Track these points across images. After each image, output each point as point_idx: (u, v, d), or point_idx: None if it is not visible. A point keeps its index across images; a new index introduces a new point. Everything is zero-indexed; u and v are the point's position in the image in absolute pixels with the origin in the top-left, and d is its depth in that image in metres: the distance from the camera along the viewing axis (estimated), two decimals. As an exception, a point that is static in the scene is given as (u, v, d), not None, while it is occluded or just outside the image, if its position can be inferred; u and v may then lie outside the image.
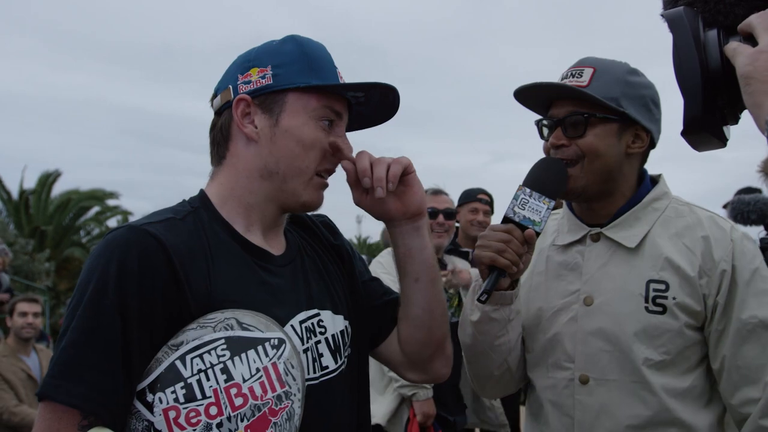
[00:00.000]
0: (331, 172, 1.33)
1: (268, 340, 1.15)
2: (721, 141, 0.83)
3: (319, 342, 1.30)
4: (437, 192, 3.92)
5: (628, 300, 1.57)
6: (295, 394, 1.15)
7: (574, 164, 1.62)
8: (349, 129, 1.39)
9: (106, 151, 46.08)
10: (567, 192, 1.65)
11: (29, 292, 13.00)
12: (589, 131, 1.60)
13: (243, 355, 1.11)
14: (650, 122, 1.64)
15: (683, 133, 0.82)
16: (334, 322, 1.35)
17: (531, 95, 1.69)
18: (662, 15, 0.85)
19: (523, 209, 1.50)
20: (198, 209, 1.25)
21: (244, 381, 1.09)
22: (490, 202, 4.47)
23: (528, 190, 1.52)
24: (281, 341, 1.16)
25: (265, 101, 1.25)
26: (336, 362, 1.32)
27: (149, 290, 1.09)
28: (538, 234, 1.50)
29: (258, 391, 1.10)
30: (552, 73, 1.74)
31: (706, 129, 0.79)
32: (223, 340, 1.10)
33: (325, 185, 1.34)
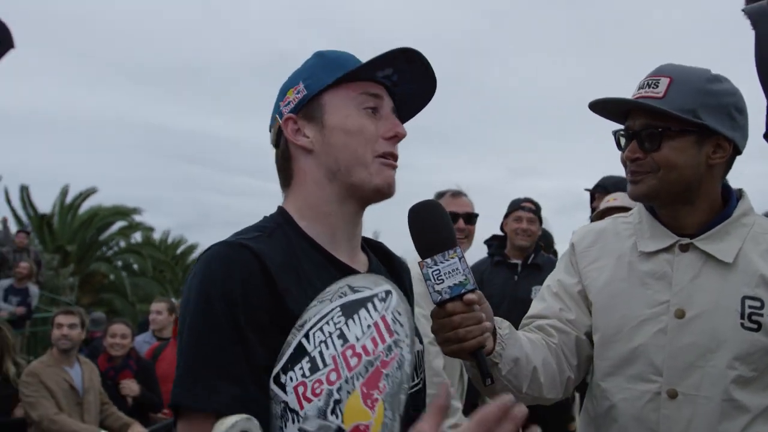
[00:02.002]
0: (394, 156, 1.32)
1: (376, 295, 1.16)
2: None
3: None
4: (457, 194, 3.59)
5: (724, 315, 1.53)
6: (403, 341, 1.15)
7: (650, 173, 1.59)
8: (406, 118, 1.41)
9: (130, 168, 46.62)
10: (636, 196, 1.63)
11: (62, 306, 13.10)
12: (664, 144, 1.56)
13: (355, 316, 1.13)
14: (733, 130, 1.58)
15: (766, 136, 0.74)
16: (412, 349, 1.32)
17: (607, 105, 1.67)
18: (744, 10, 0.77)
19: (443, 282, 1.32)
20: (282, 225, 1.27)
21: (358, 340, 1.11)
22: (535, 210, 4.35)
23: (429, 261, 1.32)
24: (388, 292, 1.17)
25: (307, 112, 1.30)
26: (414, 379, 1.30)
27: (253, 299, 1.12)
28: (475, 290, 1.33)
29: (370, 346, 1.11)
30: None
31: None
32: (338, 308, 1.13)
33: (394, 167, 1.32)
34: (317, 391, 1.07)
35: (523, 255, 4.36)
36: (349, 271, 1.26)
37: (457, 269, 1.31)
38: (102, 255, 22.47)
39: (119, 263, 23.54)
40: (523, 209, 4.30)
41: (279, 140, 1.34)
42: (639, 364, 1.58)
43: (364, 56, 1.31)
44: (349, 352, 1.10)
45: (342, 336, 1.11)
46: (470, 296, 1.32)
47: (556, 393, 1.65)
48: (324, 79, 1.29)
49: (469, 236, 3.85)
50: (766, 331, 1.51)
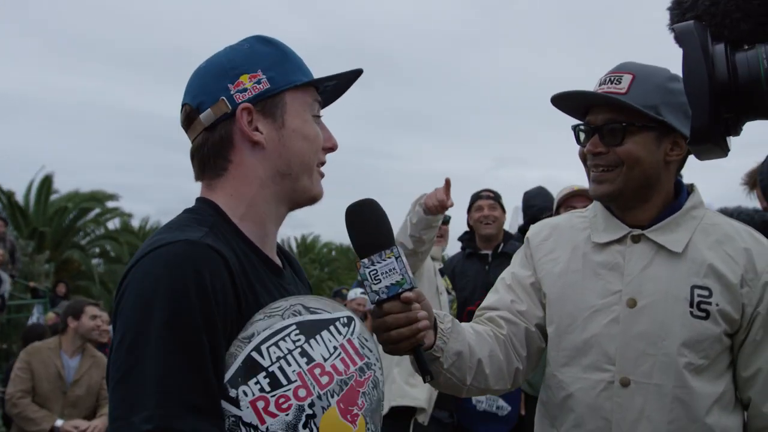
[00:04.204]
0: (324, 163, 1.34)
1: (338, 319, 1.18)
2: (724, 151, 0.89)
3: None
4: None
5: (673, 304, 1.57)
6: (375, 363, 1.20)
7: (612, 170, 1.62)
8: None
9: (111, 154, 46.02)
10: (600, 196, 1.66)
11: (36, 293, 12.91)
12: (627, 139, 1.60)
13: (318, 337, 1.13)
14: (689, 129, 1.56)
15: (690, 143, 0.87)
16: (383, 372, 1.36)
17: (568, 100, 1.69)
18: (672, 28, 0.87)
19: (380, 281, 1.32)
20: (217, 222, 1.20)
21: (325, 360, 1.12)
22: (494, 197, 4.43)
23: (367, 261, 1.32)
24: (350, 318, 1.20)
25: (265, 106, 1.24)
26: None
27: (223, 306, 1.06)
28: (413, 288, 1.34)
29: (341, 366, 1.13)
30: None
31: (711, 139, 0.81)
32: (294, 326, 1.11)
33: (323, 175, 1.34)
34: (284, 405, 1.06)
35: (492, 245, 4.41)
36: (275, 269, 1.26)
37: (393, 269, 1.31)
38: (77, 242, 22.18)
39: (96, 250, 23.29)
40: (482, 198, 4.38)
41: (218, 124, 1.23)
42: (593, 354, 1.61)
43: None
44: (317, 371, 1.10)
45: (305, 354, 1.10)
46: (407, 294, 1.33)
47: (503, 384, 1.68)
48: (291, 77, 1.26)
49: (444, 236, 3.96)
50: (714, 319, 1.55)
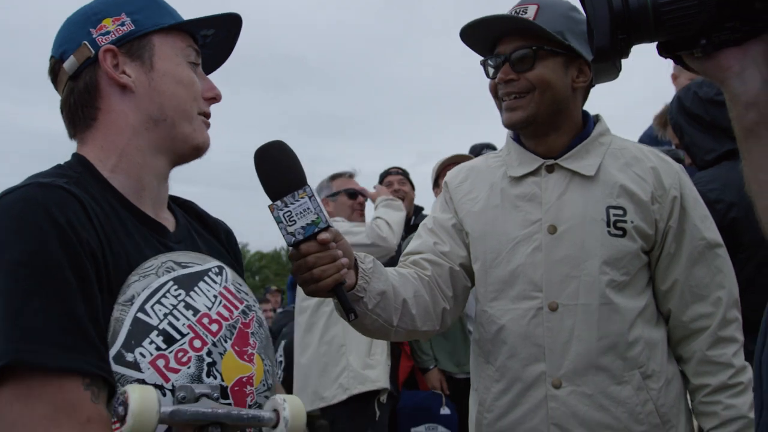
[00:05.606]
0: (209, 114, 1.27)
1: (210, 269, 1.18)
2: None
3: None
4: (353, 175, 4.01)
5: (591, 225, 1.62)
6: (253, 305, 1.22)
7: (523, 96, 1.65)
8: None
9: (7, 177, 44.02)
10: (515, 122, 1.68)
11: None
12: (537, 64, 1.63)
13: (196, 288, 1.12)
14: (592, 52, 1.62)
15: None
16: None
17: (476, 35, 1.71)
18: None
19: (295, 223, 1.28)
20: (83, 174, 1.13)
21: (209, 309, 1.12)
22: (403, 173, 4.51)
23: (279, 203, 1.28)
24: (220, 267, 1.20)
25: (131, 48, 1.18)
26: None
27: (87, 244, 1.00)
28: (329, 227, 1.31)
29: (225, 312, 1.14)
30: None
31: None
32: (172, 281, 1.10)
33: (208, 125, 1.27)
34: (183, 359, 1.04)
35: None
36: (156, 227, 1.19)
37: (308, 209, 1.27)
38: None
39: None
40: (392, 174, 4.47)
41: (82, 71, 1.18)
42: (520, 284, 1.65)
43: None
44: (206, 320, 1.10)
45: (190, 306, 1.09)
46: (324, 235, 1.29)
47: (431, 325, 1.68)
48: (157, 20, 1.20)
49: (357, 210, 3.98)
50: (631, 236, 1.62)
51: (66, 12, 1.23)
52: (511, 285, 1.66)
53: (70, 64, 1.18)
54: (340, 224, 3.60)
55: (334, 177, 3.92)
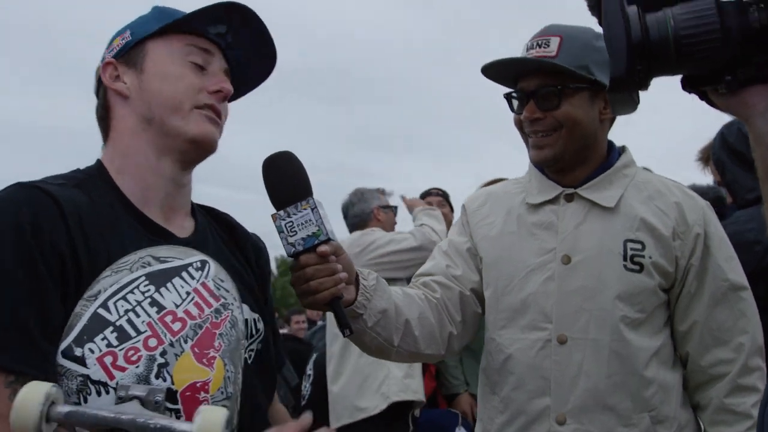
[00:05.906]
0: (216, 110, 1.25)
1: (191, 264, 1.14)
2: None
3: None
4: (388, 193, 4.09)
5: (607, 258, 1.57)
6: (232, 303, 1.17)
7: (551, 134, 1.62)
8: (242, 92, 1.38)
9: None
10: (543, 161, 1.65)
11: None
12: (563, 102, 1.60)
13: (168, 285, 1.10)
14: None
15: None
16: (242, 311, 1.26)
17: (499, 70, 1.69)
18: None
19: (296, 234, 1.29)
20: (94, 177, 1.20)
21: (177, 306, 1.09)
22: (442, 194, 4.49)
23: (282, 213, 1.29)
24: (204, 262, 1.17)
25: (128, 58, 1.24)
26: (253, 335, 1.28)
27: (49, 245, 1.03)
28: (329, 240, 1.30)
29: (194, 311, 1.10)
30: None
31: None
32: (143, 277, 1.08)
33: (216, 122, 1.25)
34: (133, 358, 1.03)
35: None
36: (160, 232, 1.20)
37: (309, 220, 1.28)
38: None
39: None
40: (431, 194, 4.44)
41: (99, 89, 1.28)
42: (530, 313, 1.60)
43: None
44: (169, 318, 1.08)
45: (155, 303, 1.07)
46: (323, 248, 1.29)
47: (436, 348, 1.64)
48: (151, 27, 1.24)
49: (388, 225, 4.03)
50: (648, 272, 1.56)
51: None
52: (522, 314, 1.61)
53: (95, 85, 1.30)
54: (382, 234, 3.62)
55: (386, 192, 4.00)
